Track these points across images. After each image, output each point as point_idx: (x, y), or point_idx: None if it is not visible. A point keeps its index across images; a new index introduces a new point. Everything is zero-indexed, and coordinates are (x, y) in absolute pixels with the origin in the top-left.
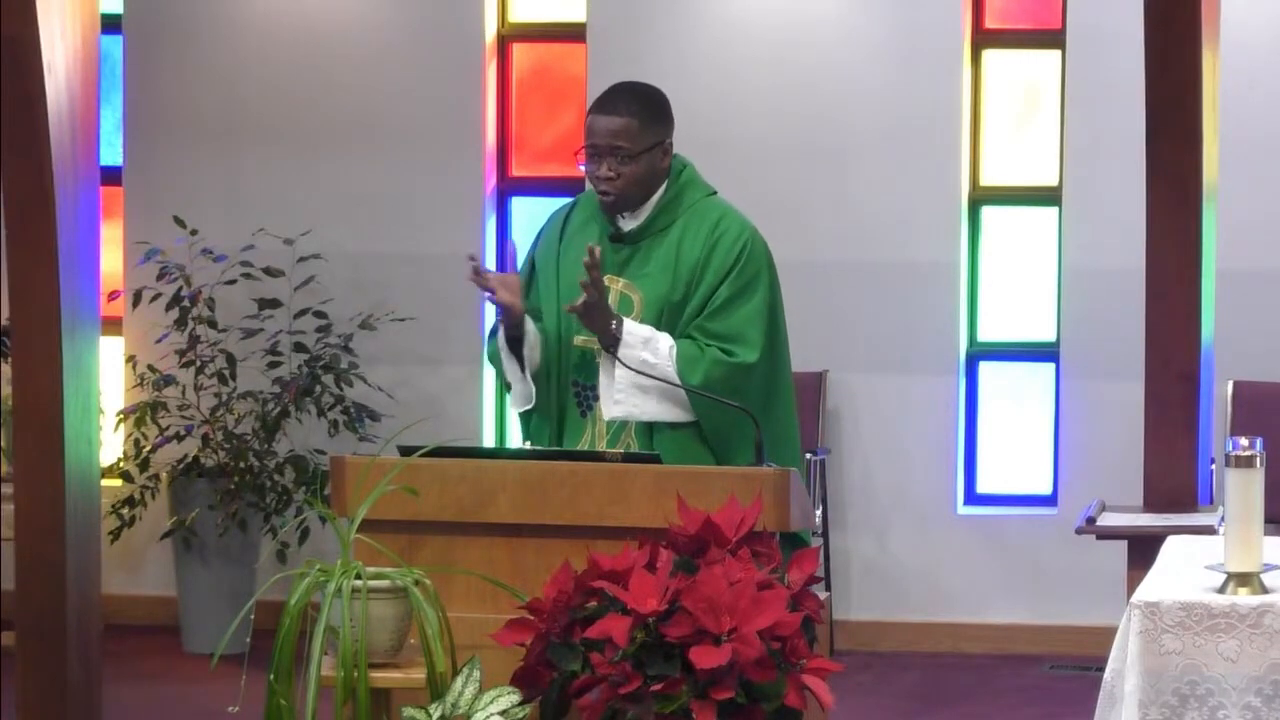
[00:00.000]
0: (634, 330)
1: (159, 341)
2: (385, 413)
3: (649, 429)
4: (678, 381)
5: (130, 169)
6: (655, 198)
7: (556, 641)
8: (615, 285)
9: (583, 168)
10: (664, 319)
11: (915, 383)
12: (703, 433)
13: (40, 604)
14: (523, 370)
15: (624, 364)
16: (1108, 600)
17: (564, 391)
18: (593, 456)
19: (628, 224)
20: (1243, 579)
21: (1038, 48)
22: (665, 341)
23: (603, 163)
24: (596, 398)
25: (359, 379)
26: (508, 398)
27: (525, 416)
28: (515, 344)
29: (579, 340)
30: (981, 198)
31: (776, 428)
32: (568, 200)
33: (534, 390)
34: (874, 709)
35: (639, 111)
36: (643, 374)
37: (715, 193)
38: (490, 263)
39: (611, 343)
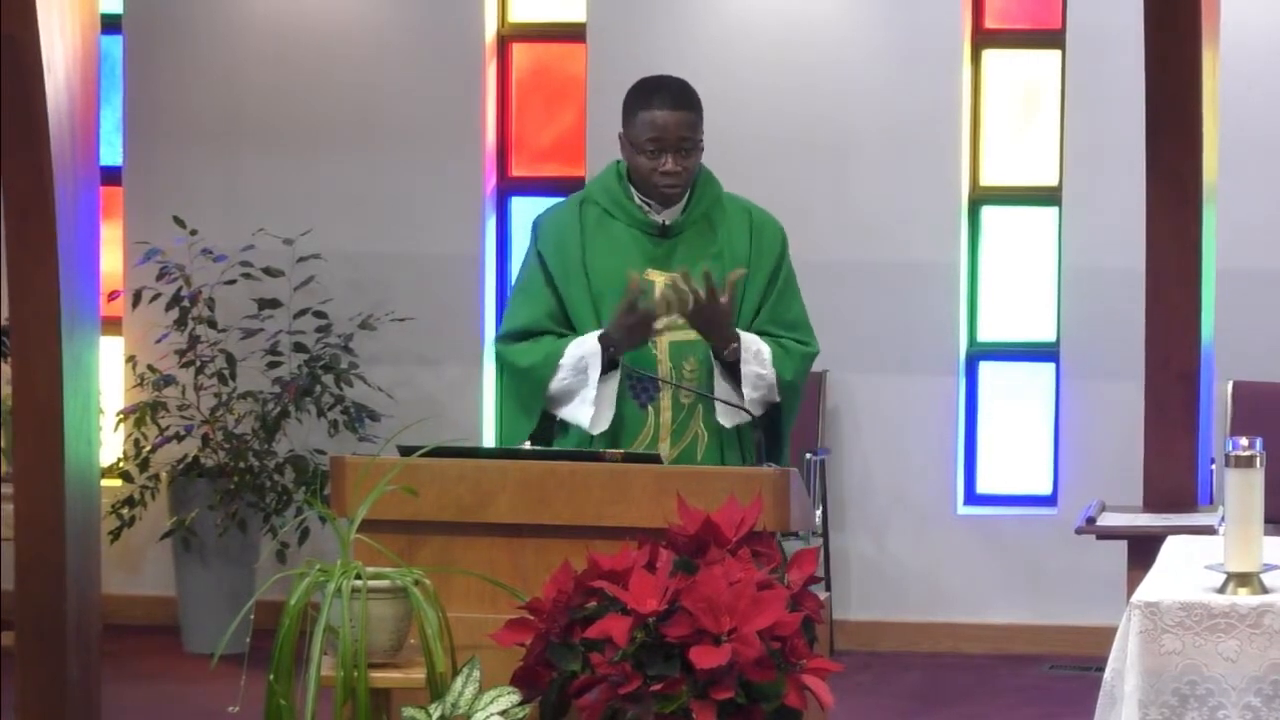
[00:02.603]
0: (748, 345)
1: (159, 341)
2: (385, 413)
3: (714, 412)
4: (775, 383)
5: (130, 169)
6: (689, 191)
7: (556, 641)
8: (660, 279)
9: (640, 165)
10: None
11: (915, 383)
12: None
13: (40, 604)
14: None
15: (747, 382)
16: (1108, 600)
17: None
18: (592, 457)
19: (668, 218)
20: (1243, 579)
21: (1038, 48)
22: (764, 349)
23: (669, 156)
24: (658, 389)
25: (359, 379)
26: (576, 423)
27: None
28: (610, 367)
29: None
30: (981, 198)
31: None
32: (562, 201)
33: (612, 407)
34: (874, 709)
35: (695, 104)
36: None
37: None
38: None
39: (733, 357)
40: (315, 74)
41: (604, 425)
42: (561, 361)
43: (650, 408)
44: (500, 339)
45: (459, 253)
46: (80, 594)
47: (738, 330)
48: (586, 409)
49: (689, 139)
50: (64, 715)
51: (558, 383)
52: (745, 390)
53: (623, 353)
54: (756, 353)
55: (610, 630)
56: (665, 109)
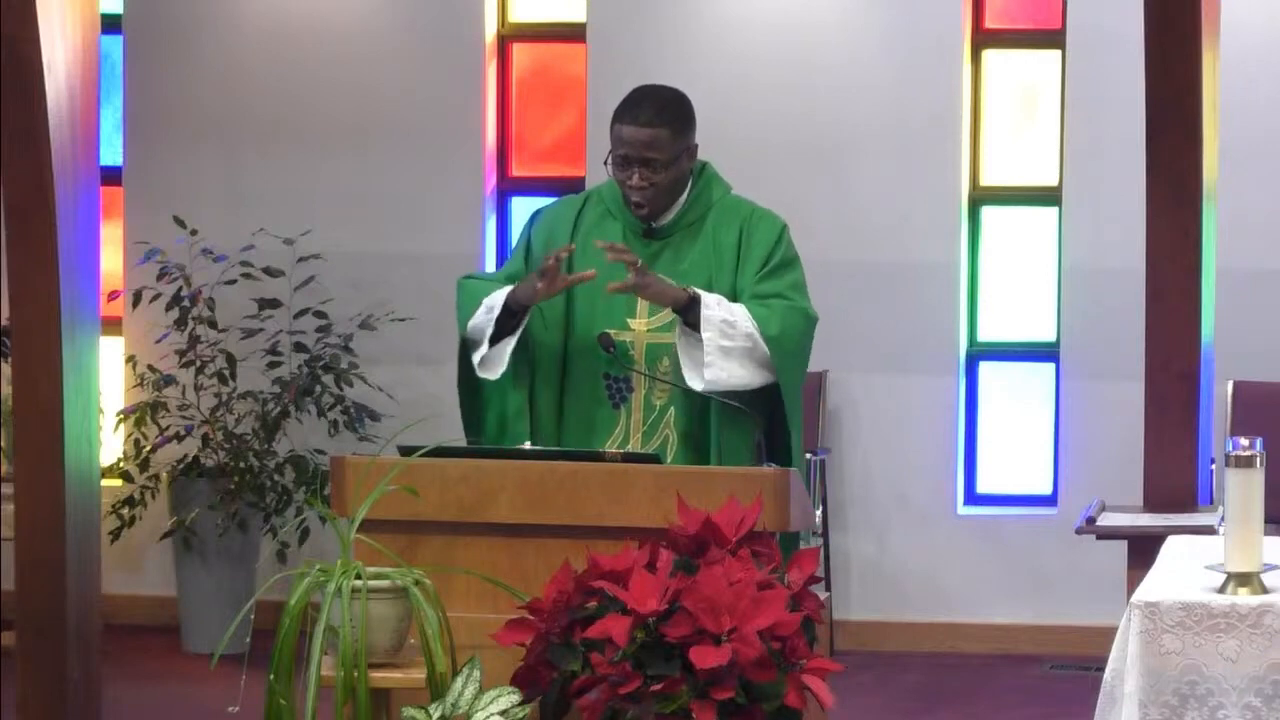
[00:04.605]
0: (709, 294)
1: (159, 341)
2: (385, 413)
3: (689, 415)
4: (759, 336)
5: (130, 169)
6: (683, 197)
7: (556, 641)
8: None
9: (613, 174)
10: None
11: (915, 383)
12: (748, 426)
13: (40, 604)
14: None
15: (708, 326)
16: (1108, 600)
17: (591, 385)
18: (593, 457)
19: (658, 220)
20: (1243, 579)
21: (1038, 48)
22: (731, 302)
23: (634, 172)
24: (631, 390)
25: (359, 379)
26: (476, 361)
27: (482, 385)
28: (509, 318)
29: (614, 333)
30: (981, 198)
31: (797, 406)
32: (568, 196)
33: (506, 362)
34: (874, 709)
35: (670, 120)
36: (722, 337)
37: (731, 188)
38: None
39: (689, 307)
40: (315, 74)
41: (493, 374)
42: (485, 300)
43: (622, 408)
44: (462, 277)
45: (459, 253)
46: (80, 594)
47: (695, 288)
48: (483, 348)
49: (656, 159)
50: (64, 715)
51: (475, 319)
52: (709, 334)
53: (521, 300)
54: (720, 300)
55: (610, 630)
56: (635, 125)
